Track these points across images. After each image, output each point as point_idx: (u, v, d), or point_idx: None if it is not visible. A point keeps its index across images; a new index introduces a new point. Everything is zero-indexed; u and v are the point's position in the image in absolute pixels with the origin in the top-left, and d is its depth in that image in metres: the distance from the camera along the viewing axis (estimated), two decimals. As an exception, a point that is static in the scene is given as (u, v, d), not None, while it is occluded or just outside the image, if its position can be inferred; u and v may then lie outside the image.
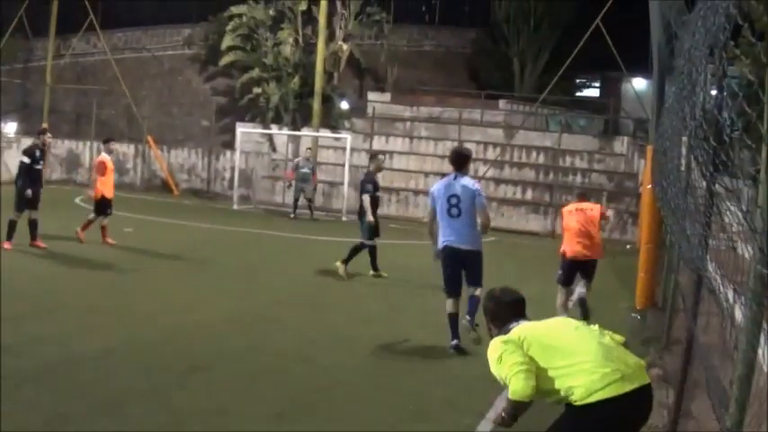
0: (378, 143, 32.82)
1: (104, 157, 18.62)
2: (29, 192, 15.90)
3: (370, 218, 15.53)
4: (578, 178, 29.80)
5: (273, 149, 34.28)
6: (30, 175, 16.07)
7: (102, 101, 38.55)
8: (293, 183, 27.62)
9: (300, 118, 34.52)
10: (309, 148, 29.61)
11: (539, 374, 4.81)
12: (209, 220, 24.69)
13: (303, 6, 35.28)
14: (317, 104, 31.87)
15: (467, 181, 10.24)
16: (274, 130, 34.24)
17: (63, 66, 39.36)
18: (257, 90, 34.85)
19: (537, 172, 30.48)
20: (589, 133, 33.67)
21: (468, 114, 33.73)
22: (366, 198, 15.70)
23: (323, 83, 32.42)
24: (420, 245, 21.82)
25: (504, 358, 4.86)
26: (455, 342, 10.13)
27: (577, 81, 40.89)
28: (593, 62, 33.00)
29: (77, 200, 28.71)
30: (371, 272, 15.85)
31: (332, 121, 33.99)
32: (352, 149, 30.29)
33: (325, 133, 32.60)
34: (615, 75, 36.55)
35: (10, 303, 11.01)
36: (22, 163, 16.06)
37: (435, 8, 40.83)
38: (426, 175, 30.76)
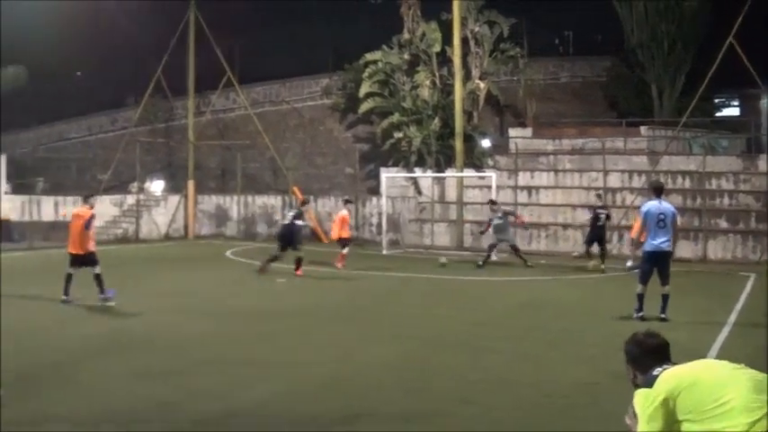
0: (522, 179, 35.07)
1: (344, 213, 27.17)
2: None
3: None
4: (725, 200, 31.47)
5: (419, 192, 36.80)
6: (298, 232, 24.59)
7: (246, 154, 42.68)
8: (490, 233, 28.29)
9: (444, 159, 37.04)
10: (492, 201, 28.81)
11: (690, 419, 4.98)
12: (359, 267, 26.12)
13: (437, 48, 38.07)
14: (459, 144, 34.29)
15: (667, 204, 16.07)
16: (418, 173, 36.90)
17: (204, 123, 43.67)
18: (398, 134, 37.51)
19: (684, 197, 31.96)
20: (732, 154, 34.99)
21: (610, 143, 35.45)
22: None
23: (463, 122, 34.87)
24: (573, 279, 24.10)
25: (644, 417, 5.13)
26: (641, 314, 15.59)
27: (716, 101, 41.90)
28: (731, 80, 34.44)
29: (228, 253, 32.06)
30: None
31: (475, 160, 36.26)
32: (498, 187, 32.43)
33: (470, 173, 35.00)
34: (754, 92, 37.65)
35: (166, 358, 12.23)
36: (296, 225, 24.42)
37: (568, 39, 43.05)
38: (574, 208, 33.03)
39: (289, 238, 24.56)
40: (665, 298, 15.66)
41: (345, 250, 26.58)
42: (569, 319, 16.45)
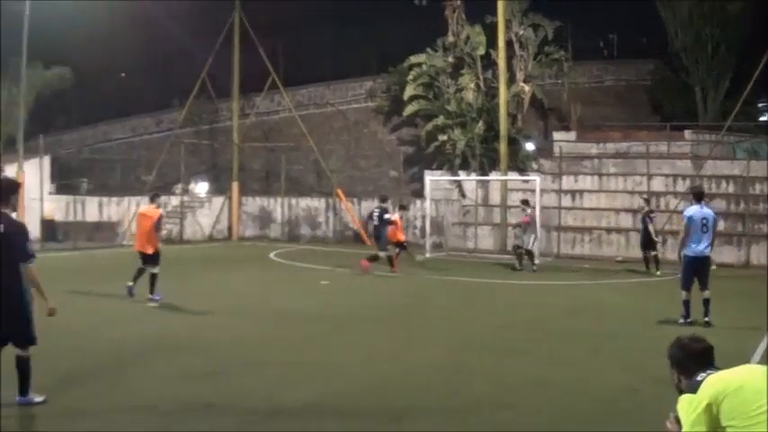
0: (566, 182, 35.24)
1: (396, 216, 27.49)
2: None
3: None
4: (769, 205, 31.40)
5: (463, 195, 37.02)
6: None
7: (290, 157, 43.08)
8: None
9: (488, 162, 37.20)
10: (524, 201, 29.75)
11: (733, 425, 5.01)
12: (402, 270, 26.05)
13: (482, 51, 38.22)
14: (503, 148, 34.47)
15: (708, 209, 16.60)
16: (462, 176, 37.06)
17: (249, 125, 44.20)
18: (443, 137, 37.68)
19: (728, 201, 31.94)
20: (776, 158, 34.96)
21: (654, 147, 35.41)
22: None
23: (507, 126, 35.06)
24: (616, 283, 24.20)
25: (687, 422, 5.17)
26: (689, 320, 15.94)
27: (760, 105, 41.66)
28: (775, 84, 34.25)
29: (272, 255, 32.43)
30: None
31: (519, 163, 36.40)
32: (542, 190, 32.28)
33: (514, 176, 35.19)
34: (797, 96, 37.46)
35: (212, 359, 12.47)
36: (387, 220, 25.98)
37: (613, 42, 43.20)
38: (617, 212, 33.16)
39: (379, 236, 26.28)
40: (707, 302, 15.99)
41: (397, 253, 27.06)
42: (612, 324, 16.58)
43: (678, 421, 5.31)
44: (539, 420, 9.48)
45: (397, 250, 26.81)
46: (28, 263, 9.27)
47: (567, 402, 10.32)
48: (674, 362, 5.65)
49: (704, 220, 16.15)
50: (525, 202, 28.25)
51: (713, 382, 5.18)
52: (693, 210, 16.29)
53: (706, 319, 15.88)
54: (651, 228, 26.96)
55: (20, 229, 9.43)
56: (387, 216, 26.06)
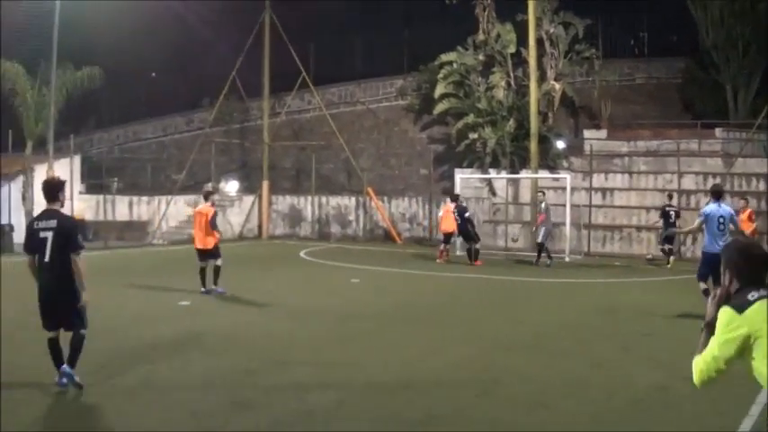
0: (597, 181, 35.20)
1: (449, 205, 29.85)
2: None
3: None
4: (801, 203, 31.15)
5: (493, 194, 37.14)
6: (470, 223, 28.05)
7: (321, 155, 43.37)
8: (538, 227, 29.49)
9: (518, 160, 37.35)
10: (540, 192, 31.21)
11: (761, 362, 4.97)
12: (431, 268, 26.75)
13: (512, 49, 38.30)
14: (533, 146, 34.31)
15: (726, 207, 17.08)
16: (493, 174, 37.19)
17: (279, 123, 44.55)
18: (473, 136, 37.69)
19: (759, 200, 31.70)
20: (805, 156, 34.58)
21: (685, 145, 35.35)
22: None
23: (538, 124, 34.99)
24: (646, 282, 24.24)
25: (719, 338, 5.08)
26: None
27: None
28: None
29: (302, 253, 32.69)
30: None
31: (549, 161, 36.54)
32: (572, 189, 32.55)
33: (544, 174, 35.14)
34: (828, 93, 37.11)
35: (243, 358, 12.59)
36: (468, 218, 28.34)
37: (644, 40, 43.19)
38: (647, 210, 33.13)
39: (466, 232, 28.60)
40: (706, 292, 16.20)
41: (446, 245, 29.64)
42: (643, 322, 16.59)
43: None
44: (573, 420, 9.52)
45: (446, 243, 29.59)
46: (76, 254, 10.27)
47: (599, 402, 10.37)
48: (730, 264, 5.35)
49: (721, 219, 16.52)
50: (542, 193, 30.22)
51: (760, 312, 4.99)
52: (711, 208, 16.73)
53: None
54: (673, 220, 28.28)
55: (72, 223, 10.88)
56: (467, 214, 28.48)
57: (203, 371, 11.83)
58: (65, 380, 10.25)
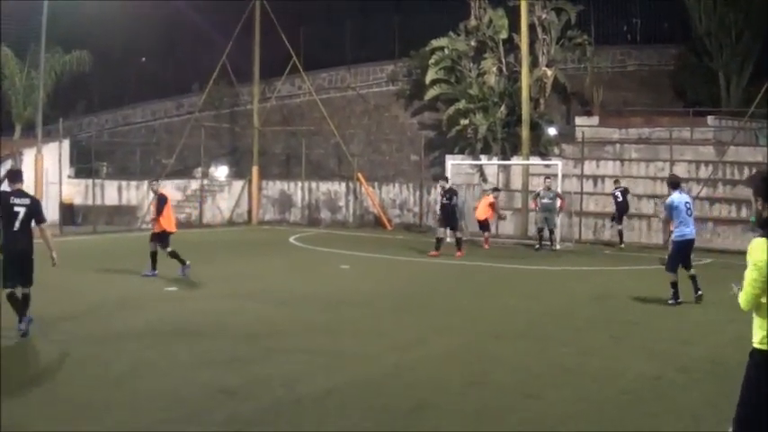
0: (588, 168, 34.97)
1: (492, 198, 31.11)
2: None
3: None
4: (794, 192, 31.40)
5: (484, 180, 36.84)
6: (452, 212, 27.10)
7: (311, 141, 43.36)
8: (537, 213, 30.37)
9: (509, 147, 37.23)
10: (548, 178, 30.94)
11: None
12: (423, 255, 26.69)
13: (504, 35, 38.11)
14: (525, 132, 34.39)
15: (686, 194, 18.23)
16: (484, 160, 37.06)
17: (269, 108, 44.35)
18: (464, 122, 37.51)
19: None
20: (799, 145, 34.42)
21: (677, 133, 35.21)
22: None
23: (530, 110, 35.04)
24: (640, 270, 24.16)
25: (752, 267, 5.60)
26: (679, 300, 16.92)
27: None
28: (798, 70, 33.79)
29: (292, 239, 32.62)
30: None
31: (541, 147, 36.38)
32: (563, 175, 32.42)
33: (536, 161, 35.08)
34: (821, 82, 37.04)
35: (231, 345, 12.64)
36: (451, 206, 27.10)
37: (636, 27, 43.02)
38: (639, 198, 33.03)
39: (448, 218, 27.49)
40: (695, 278, 17.37)
41: (487, 233, 30.77)
42: (634, 311, 16.57)
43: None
44: (564, 410, 9.47)
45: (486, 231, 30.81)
46: (45, 224, 13.15)
47: (591, 391, 10.34)
48: (760, 192, 5.75)
49: (687, 204, 17.40)
50: (548, 178, 30.88)
51: None
52: (677, 197, 17.36)
53: (699, 292, 17.18)
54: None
55: (38, 201, 13.45)
56: (455, 199, 27.84)
57: (190, 357, 11.78)
58: (23, 326, 12.59)
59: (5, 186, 13.39)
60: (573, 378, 10.99)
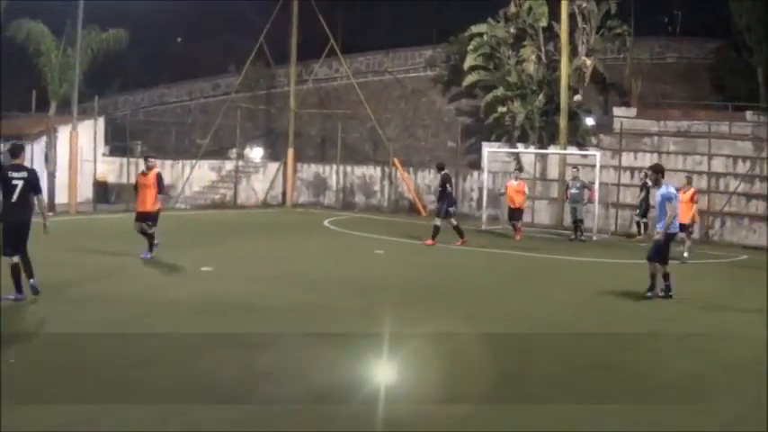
0: (626, 159, 34.83)
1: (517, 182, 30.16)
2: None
3: None
4: (831, 189, 30.68)
5: (521, 168, 35.76)
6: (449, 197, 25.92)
7: (347, 124, 43.42)
8: (567, 204, 30.33)
9: (547, 136, 37.11)
10: (575, 168, 31.19)
11: None
12: (454, 242, 25.69)
13: (544, 23, 37.91)
14: (563, 121, 34.33)
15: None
16: (521, 148, 37.01)
17: (306, 91, 44.30)
18: (502, 109, 37.43)
19: None
20: (836, 141, 33.98)
21: (715, 127, 34.83)
22: None
23: (568, 99, 35.03)
24: (677, 266, 23.49)
25: None
26: (654, 292, 16.71)
27: None
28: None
29: (326, 222, 32.57)
30: None
31: (578, 137, 36.21)
32: (601, 166, 32.01)
33: (573, 150, 34.99)
34: None
35: (263, 326, 12.62)
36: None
37: (676, 19, 42.78)
38: (677, 190, 32.84)
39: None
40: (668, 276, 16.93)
41: (516, 222, 29.61)
42: (670, 306, 16.09)
43: None
44: (602, 403, 9.33)
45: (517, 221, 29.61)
46: (41, 195, 14.23)
47: (631, 387, 10.12)
48: None
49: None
50: (575, 168, 31.17)
51: None
52: (671, 189, 17.03)
53: (670, 293, 16.86)
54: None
55: (35, 174, 14.10)
56: (449, 186, 26.21)
57: (220, 339, 11.76)
58: (30, 290, 13.82)
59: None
60: (612, 371, 10.86)
